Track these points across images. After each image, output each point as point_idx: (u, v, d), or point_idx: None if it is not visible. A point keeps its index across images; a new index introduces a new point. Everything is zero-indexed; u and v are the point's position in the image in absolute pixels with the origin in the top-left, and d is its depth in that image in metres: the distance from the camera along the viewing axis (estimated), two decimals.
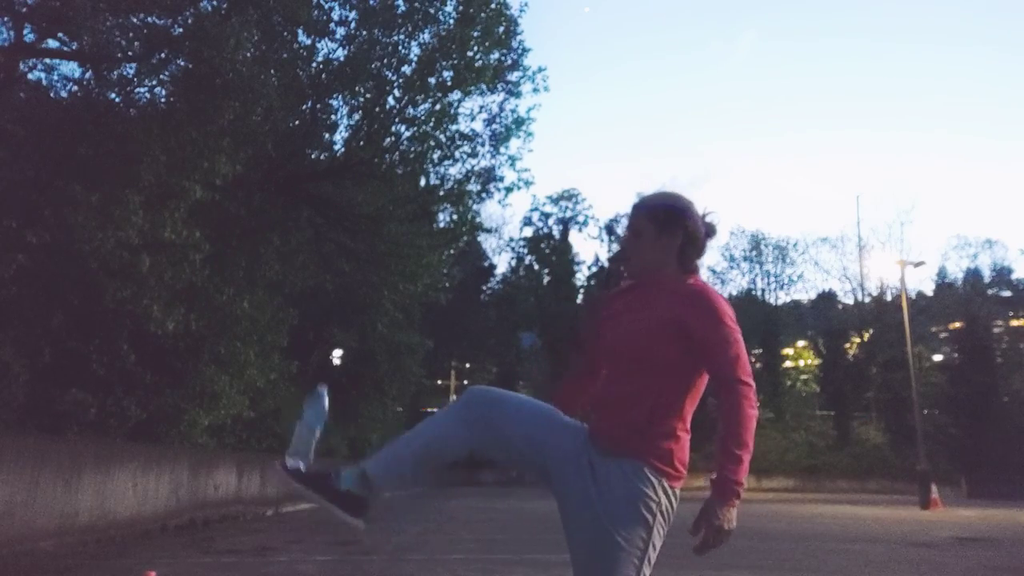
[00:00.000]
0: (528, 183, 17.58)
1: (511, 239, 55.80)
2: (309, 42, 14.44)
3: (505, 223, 53.60)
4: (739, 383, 1.79)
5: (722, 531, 1.75)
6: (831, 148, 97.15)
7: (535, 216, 54.99)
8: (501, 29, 14.88)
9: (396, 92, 14.67)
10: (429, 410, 52.02)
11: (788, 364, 56.61)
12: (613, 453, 1.82)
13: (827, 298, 57.08)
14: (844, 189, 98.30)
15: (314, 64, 14.64)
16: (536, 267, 54.91)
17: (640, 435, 1.84)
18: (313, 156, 15.88)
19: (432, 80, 14.50)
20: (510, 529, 11.50)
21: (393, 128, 15.01)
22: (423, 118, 14.90)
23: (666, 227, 1.96)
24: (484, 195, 17.39)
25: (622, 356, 1.90)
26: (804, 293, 59.18)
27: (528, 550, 8.40)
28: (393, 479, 1.93)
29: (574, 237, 61.09)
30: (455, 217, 17.28)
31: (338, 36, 14.54)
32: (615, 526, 1.77)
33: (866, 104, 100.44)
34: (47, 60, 10.43)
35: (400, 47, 14.40)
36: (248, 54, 9.88)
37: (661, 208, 1.99)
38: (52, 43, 10.12)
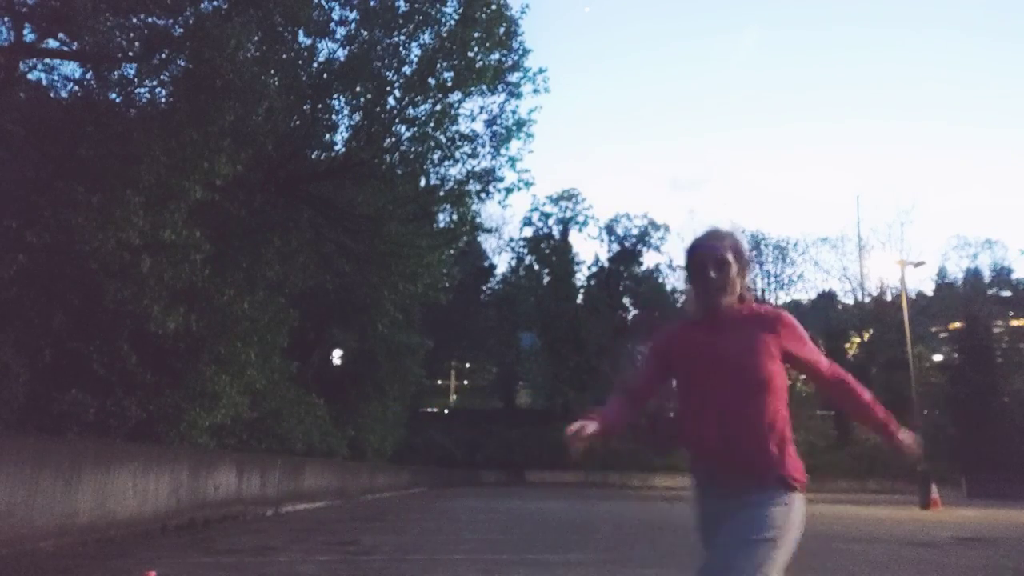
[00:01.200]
0: (528, 184, 17.57)
1: (511, 239, 55.87)
2: (310, 42, 14.44)
3: (505, 223, 53.64)
4: (847, 376, 2.23)
5: (915, 445, 2.34)
6: (831, 148, 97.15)
7: (535, 216, 55.05)
8: (502, 30, 14.88)
9: (396, 92, 14.67)
10: (429, 410, 52.11)
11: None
12: (756, 487, 2.07)
13: (827, 298, 57.10)
14: (844, 189, 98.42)
15: (315, 64, 14.64)
16: (536, 267, 54.93)
17: (780, 458, 2.13)
18: (313, 156, 15.88)
19: (432, 81, 14.50)
20: (511, 529, 11.50)
21: (393, 128, 15.01)
22: (423, 119, 14.91)
23: (744, 262, 2.25)
24: (484, 196, 17.37)
25: (741, 381, 2.07)
26: (804, 293, 59.22)
27: (529, 550, 8.40)
28: None
29: (574, 237, 61.13)
30: (455, 217, 17.28)
31: (338, 36, 14.55)
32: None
33: (866, 104, 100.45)
34: (47, 60, 10.43)
35: (401, 47, 14.40)
36: (249, 54, 9.89)
37: (740, 245, 2.27)
38: (52, 43, 10.12)
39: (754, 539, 1.99)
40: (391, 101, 14.74)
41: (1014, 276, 54.78)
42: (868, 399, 2.21)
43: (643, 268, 57.28)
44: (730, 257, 2.18)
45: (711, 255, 2.18)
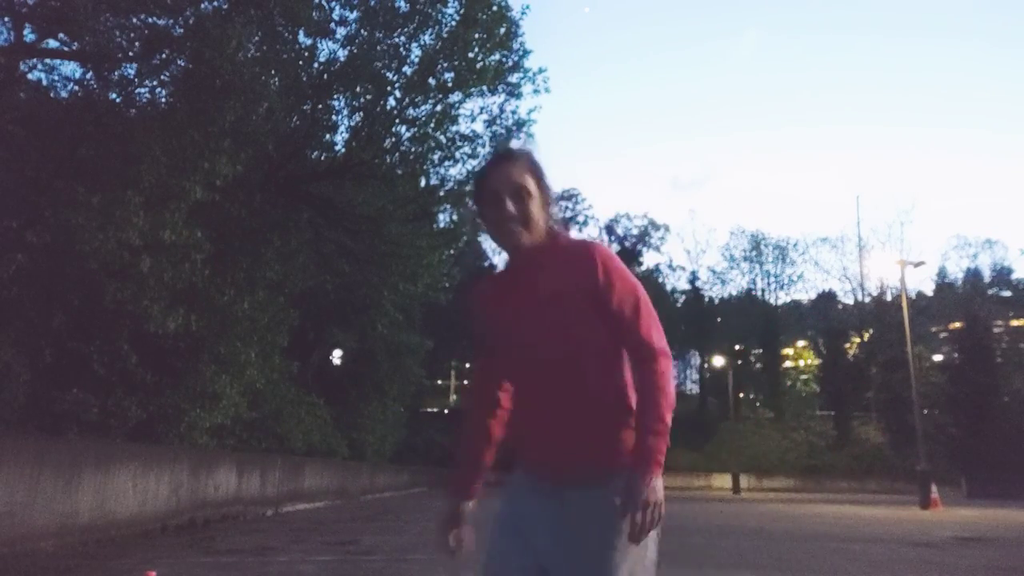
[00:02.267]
0: None
1: None
2: (310, 42, 14.45)
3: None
4: (660, 354, 1.59)
5: (652, 504, 1.47)
6: (831, 148, 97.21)
7: None
8: (502, 30, 14.89)
9: (397, 93, 14.68)
10: (429, 410, 52.06)
11: (788, 364, 56.64)
12: (587, 482, 1.56)
13: (827, 298, 57.14)
14: (844, 189, 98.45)
15: (315, 65, 14.65)
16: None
17: (609, 446, 1.57)
18: (313, 157, 15.89)
19: (433, 81, 14.51)
20: None
21: (394, 129, 15.02)
22: (424, 119, 14.92)
23: (547, 187, 1.72)
24: None
25: (548, 345, 1.59)
26: (804, 293, 59.34)
27: None
28: None
29: (574, 237, 61.11)
30: (455, 217, 17.30)
31: (339, 36, 14.57)
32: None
33: (866, 104, 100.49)
34: (47, 60, 10.44)
35: (401, 48, 14.41)
36: (249, 55, 9.89)
37: (539, 167, 1.73)
38: (52, 43, 10.13)
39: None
40: (391, 101, 14.75)
41: (1014, 276, 54.89)
42: (658, 402, 1.53)
43: (643, 268, 57.30)
44: (529, 183, 1.67)
45: (505, 182, 1.66)
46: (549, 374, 1.59)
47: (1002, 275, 55.06)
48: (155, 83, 10.34)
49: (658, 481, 1.49)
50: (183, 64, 9.89)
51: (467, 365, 59.33)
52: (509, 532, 1.63)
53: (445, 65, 14.51)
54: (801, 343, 58.05)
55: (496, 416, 1.82)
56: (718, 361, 53.60)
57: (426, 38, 14.51)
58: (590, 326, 1.58)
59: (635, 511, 1.46)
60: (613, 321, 1.59)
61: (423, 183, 16.21)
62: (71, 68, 10.58)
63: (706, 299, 58.44)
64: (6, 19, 9.65)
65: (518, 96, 16.40)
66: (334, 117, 15.34)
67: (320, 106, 14.84)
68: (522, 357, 1.63)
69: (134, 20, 9.68)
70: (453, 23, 14.33)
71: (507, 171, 1.68)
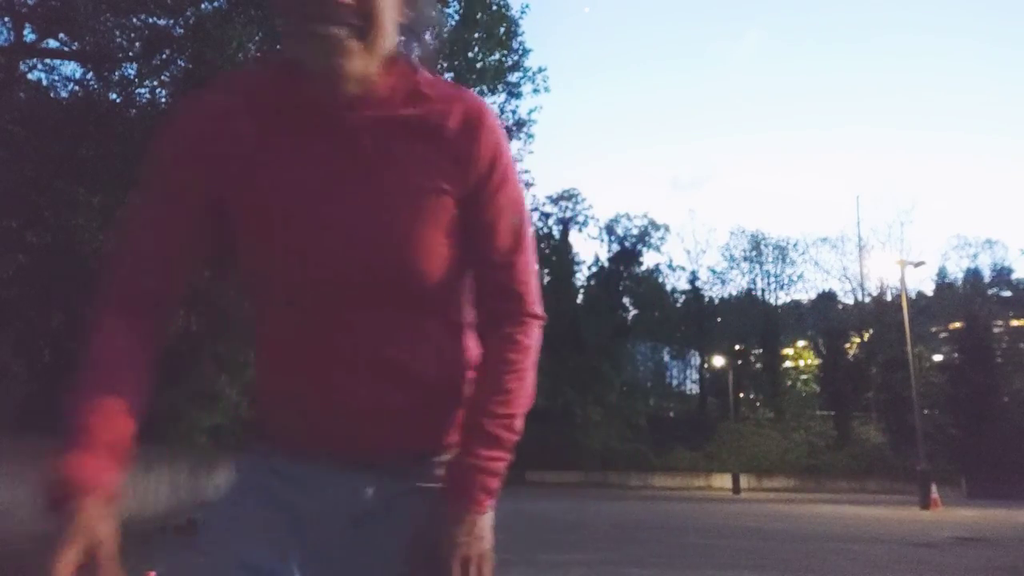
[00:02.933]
0: (528, 184, 17.61)
1: None
2: None
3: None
4: (534, 318, 1.02)
5: (476, 553, 0.90)
6: (831, 148, 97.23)
7: (535, 216, 55.01)
8: (502, 30, 14.91)
9: None
10: None
11: (788, 364, 56.64)
12: (401, 479, 0.97)
13: (827, 298, 57.14)
14: (844, 189, 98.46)
15: None
16: (536, 267, 54.96)
17: (445, 428, 0.99)
18: None
19: None
20: (510, 529, 11.50)
21: None
22: None
23: None
24: None
25: (373, 267, 0.91)
26: (804, 293, 59.30)
27: (529, 550, 8.40)
28: None
29: (574, 237, 61.16)
30: None
31: None
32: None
33: (866, 104, 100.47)
34: (48, 60, 10.45)
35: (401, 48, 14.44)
36: (250, 55, 9.89)
37: None
38: (53, 43, 10.13)
39: None
40: None
41: (1014, 276, 54.88)
42: (502, 410, 0.95)
43: (643, 268, 57.31)
44: None
45: None
46: (364, 305, 0.91)
47: (1002, 275, 55.07)
48: (155, 83, 10.35)
49: (486, 519, 0.93)
50: (183, 64, 9.90)
51: None
52: (254, 529, 0.94)
53: (445, 65, 14.52)
54: (801, 343, 58.02)
55: (156, 334, 0.96)
56: (718, 361, 53.57)
57: (426, 38, 14.54)
58: (447, 243, 0.93)
59: (456, 561, 0.89)
60: (479, 244, 0.97)
61: None
62: (71, 68, 10.60)
63: (706, 299, 58.40)
64: (6, 19, 9.66)
65: (518, 96, 16.42)
66: None
67: None
68: (314, 269, 0.90)
69: (134, 20, 9.68)
70: (453, 22, 14.35)
71: None
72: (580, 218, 56.28)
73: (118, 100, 10.16)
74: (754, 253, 58.31)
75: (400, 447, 0.97)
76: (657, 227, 57.42)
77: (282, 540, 0.93)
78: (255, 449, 1.00)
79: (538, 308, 1.02)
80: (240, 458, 1.02)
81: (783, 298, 59.02)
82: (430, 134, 0.94)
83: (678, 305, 57.96)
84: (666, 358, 59.55)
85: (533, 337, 1.00)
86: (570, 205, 56.15)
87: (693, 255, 61.81)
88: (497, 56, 15.30)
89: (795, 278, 57.79)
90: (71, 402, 0.88)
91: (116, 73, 10.11)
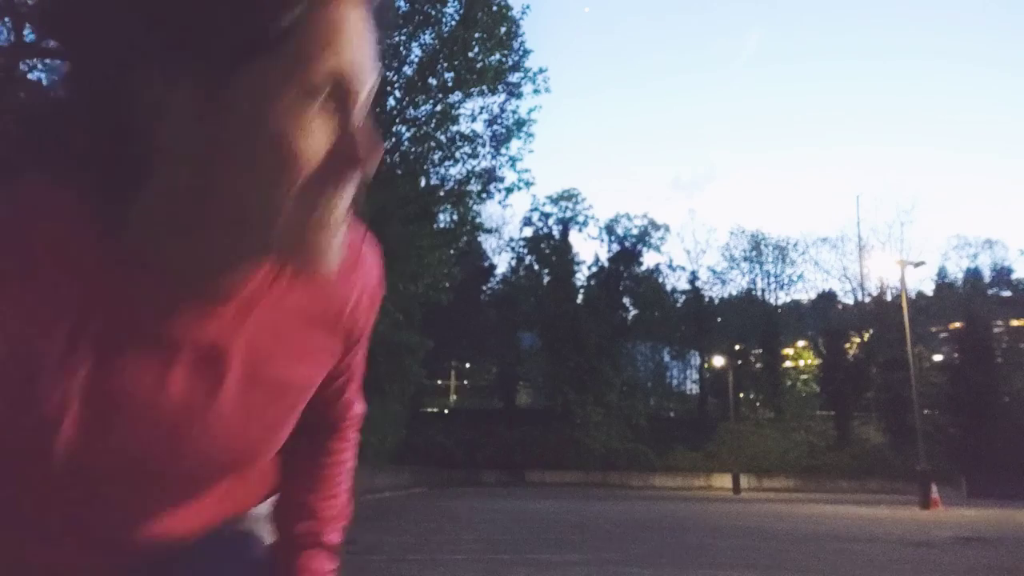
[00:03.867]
0: (528, 183, 17.62)
1: (511, 239, 55.88)
2: None
3: (505, 223, 53.62)
4: (357, 421, 0.92)
5: None
6: (831, 148, 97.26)
7: (535, 216, 55.07)
8: (502, 30, 14.92)
9: (397, 93, 14.70)
10: (429, 410, 52.15)
11: (788, 364, 56.65)
12: None
13: (827, 298, 57.17)
14: (844, 189, 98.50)
15: None
16: (536, 267, 54.97)
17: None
18: None
19: (433, 81, 14.54)
20: (511, 529, 11.50)
21: (394, 129, 15.04)
22: (424, 119, 14.96)
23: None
24: (485, 195, 17.43)
25: (189, 473, 0.71)
26: (804, 293, 59.35)
27: (529, 550, 8.40)
28: None
29: (574, 237, 61.19)
30: (455, 217, 17.33)
31: None
32: None
33: (866, 104, 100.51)
34: (48, 60, 10.45)
35: (401, 47, 14.43)
36: None
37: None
38: (53, 43, 10.14)
39: None
40: (391, 101, 14.77)
41: (1014, 276, 54.95)
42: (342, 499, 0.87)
43: (643, 268, 57.32)
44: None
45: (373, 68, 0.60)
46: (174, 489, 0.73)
47: (1002, 275, 55.11)
48: None
49: None
50: None
51: (467, 365, 59.38)
52: None
53: (445, 65, 14.54)
54: (801, 343, 58.04)
55: None
56: (718, 361, 53.56)
57: (426, 38, 14.55)
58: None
59: None
60: (335, 389, 0.83)
61: (423, 183, 16.24)
62: None
63: (706, 299, 58.40)
64: (6, 19, 9.67)
65: (518, 96, 16.45)
66: None
67: None
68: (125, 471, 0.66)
69: None
70: (453, 23, 14.36)
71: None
72: (580, 218, 56.29)
73: None
74: (754, 253, 58.34)
75: None
76: (657, 227, 57.44)
77: None
78: None
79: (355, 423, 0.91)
80: None
81: (783, 298, 59.08)
82: (323, 326, 0.74)
83: (678, 305, 57.96)
84: (666, 358, 59.54)
85: (354, 442, 0.91)
86: (570, 205, 56.16)
87: (693, 255, 61.82)
88: (497, 56, 15.31)
89: (795, 278, 57.84)
90: None
91: None
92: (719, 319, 56.97)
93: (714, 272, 59.01)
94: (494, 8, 14.42)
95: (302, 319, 0.71)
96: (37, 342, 0.58)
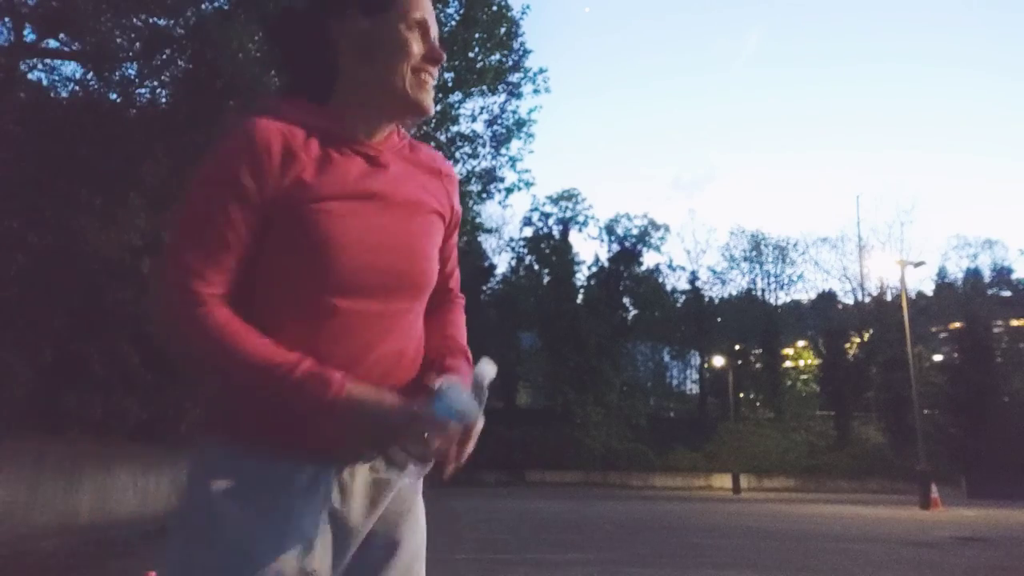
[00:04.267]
0: (529, 184, 17.61)
1: (511, 239, 55.86)
2: None
3: (505, 223, 53.62)
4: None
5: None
6: (831, 148, 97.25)
7: (535, 216, 55.04)
8: (503, 30, 14.90)
9: None
10: None
11: (788, 364, 56.62)
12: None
13: (827, 298, 57.14)
14: (844, 189, 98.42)
15: None
16: (536, 267, 54.96)
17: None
18: None
19: None
20: (511, 529, 11.50)
21: None
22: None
23: None
24: (485, 196, 17.41)
25: (409, 275, 1.11)
26: (804, 293, 59.31)
27: (529, 550, 8.41)
28: None
29: (574, 237, 61.18)
30: None
31: None
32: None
33: (866, 105, 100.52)
34: (48, 60, 10.45)
35: None
36: (250, 55, 9.90)
37: None
38: (53, 43, 10.14)
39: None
40: None
41: (1014, 276, 54.93)
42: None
43: (643, 268, 57.30)
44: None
45: (433, 14, 1.18)
46: (397, 322, 1.10)
47: (1002, 275, 55.09)
48: (156, 83, 10.36)
49: None
50: (184, 64, 9.90)
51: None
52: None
53: (445, 65, 14.52)
54: (801, 343, 58.02)
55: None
56: (718, 361, 53.53)
57: None
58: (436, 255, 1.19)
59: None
60: (447, 254, 1.27)
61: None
62: (72, 68, 10.60)
63: (706, 299, 58.38)
64: (6, 19, 9.67)
65: (518, 96, 16.42)
66: None
67: None
68: (375, 290, 1.07)
69: (134, 20, 9.69)
70: (453, 23, 14.34)
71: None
72: (580, 218, 56.25)
73: (118, 100, 10.16)
74: (754, 253, 58.30)
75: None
76: (657, 227, 57.40)
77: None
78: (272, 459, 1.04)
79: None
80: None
81: (783, 298, 59.03)
82: (434, 173, 1.22)
83: (678, 305, 57.95)
84: (666, 358, 59.54)
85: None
86: (570, 205, 56.14)
87: (693, 255, 61.85)
88: (497, 56, 15.30)
89: (795, 278, 57.79)
90: (243, 358, 0.98)
91: (116, 73, 10.12)
92: (719, 319, 56.95)
93: (714, 272, 58.99)
94: (494, 8, 14.41)
95: (422, 168, 1.20)
96: (340, 188, 1.07)
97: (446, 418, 0.99)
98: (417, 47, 1.12)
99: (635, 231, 57.26)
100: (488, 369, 1.11)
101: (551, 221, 55.53)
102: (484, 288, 55.92)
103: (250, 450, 1.03)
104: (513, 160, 16.82)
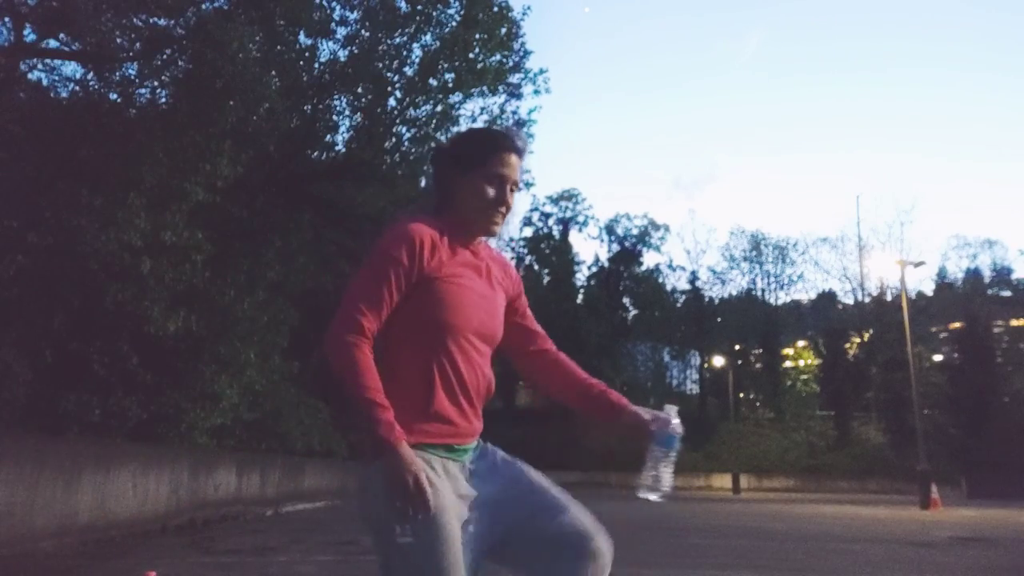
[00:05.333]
0: (529, 184, 17.65)
1: (511, 239, 55.77)
2: (311, 43, 14.46)
3: (505, 223, 53.68)
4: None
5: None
6: (831, 148, 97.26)
7: (535, 216, 55.14)
8: (503, 31, 14.91)
9: (398, 93, 14.72)
10: None
11: (788, 364, 56.63)
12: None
13: (827, 298, 57.15)
14: (844, 189, 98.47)
15: (316, 65, 14.66)
16: (536, 267, 54.98)
17: None
18: (314, 157, 15.91)
19: (434, 82, 14.54)
20: None
21: (394, 129, 15.06)
22: (424, 119, 14.96)
23: None
24: None
25: (490, 347, 1.67)
26: (804, 293, 59.32)
27: None
28: None
29: (574, 237, 61.19)
30: None
31: (339, 37, 14.58)
32: None
33: (866, 104, 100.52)
34: (48, 60, 10.45)
35: (402, 48, 14.43)
36: (250, 55, 9.89)
37: None
38: (53, 43, 10.14)
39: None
40: (392, 102, 14.78)
41: (1014, 276, 54.97)
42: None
43: (643, 268, 57.32)
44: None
45: (520, 171, 1.71)
46: (484, 359, 1.65)
47: (1002, 275, 55.12)
48: (156, 84, 10.36)
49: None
50: (184, 64, 9.90)
51: None
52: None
53: (446, 66, 14.54)
54: (801, 343, 58.04)
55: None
56: (718, 361, 53.56)
57: (427, 38, 14.54)
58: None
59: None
60: (518, 324, 1.82)
61: (424, 183, 16.24)
62: (72, 68, 10.60)
63: (706, 299, 58.40)
64: (6, 19, 9.67)
65: (519, 96, 16.44)
66: (335, 117, 15.38)
67: (321, 106, 14.87)
68: (477, 337, 1.61)
69: (135, 20, 9.69)
70: (454, 24, 14.35)
71: (523, 161, 1.71)
72: (580, 218, 56.33)
73: (118, 100, 10.16)
74: (754, 253, 58.30)
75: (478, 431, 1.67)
76: (657, 227, 57.45)
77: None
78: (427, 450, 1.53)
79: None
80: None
81: (783, 298, 59.06)
82: (500, 264, 1.79)
83: (678, 305, 57.95)
84: (666, 358, 59.54)
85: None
86: (570, 205, 56.19)
87: (693, 255, 61.82)
88: (498, 57, 15.31)
89: (795, 278, 57.79)
90: (360, 388, 1.45)
91: (116, 73, 10.11)
92: (719, 319, 56.96)
93: (714, 272, 58.99)
94: (495, 9, 14.41)
95: (496, 262, 1.76)
96: (463, 269, 1.64)
97: (673, 448, 1.62)
98: (493, 194, 1.65)
99: (635, 231, 57.31)
100: (673, 408, 1.67)
101: (551, 221, 55.61)
102: None
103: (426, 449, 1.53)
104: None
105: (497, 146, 1.66)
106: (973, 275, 53.73)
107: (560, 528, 1.58)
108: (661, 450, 1.64)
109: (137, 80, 10.26)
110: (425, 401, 1.53)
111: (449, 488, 1.51)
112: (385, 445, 1.41)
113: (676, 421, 1.63)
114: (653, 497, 1.64)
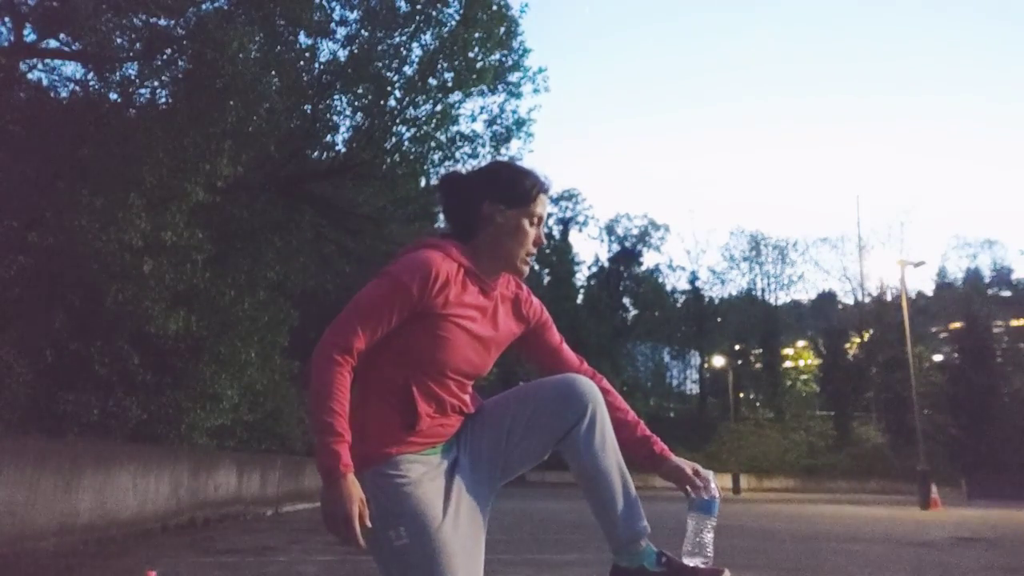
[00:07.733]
0: None
1: None
2: (311, 43, 14.46)
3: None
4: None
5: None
6: (831, 148, 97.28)
7: None
8: (502, 30, 14.88)
9: (397, 93, 14.69)
10: None
11: (788, 364, 56.63)
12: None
13: (827, 298, 57.21)
14: (844, 189, 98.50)
15: (316, 65, 14.66)
16: (536, 267, 54.97)
17: None
18: (314, 157, 15.90)
19: (433, 81, 14.52)
20: (511, 529, 11.50)
21: (394, 129, 15.03)
22: (424, 119, 14.93)
23: None
24: None
25: (471, 380, 1.71)
26: (804, 293, 59.42)
27: (530, 550, 8.41)
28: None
29: (574, 237, 61.23)
30: None
31: (339, 37, 14.57)
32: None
33: (867, 104, 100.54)
34: (48, 60, 10.45)
35: (402, 48, 14.42)
36: (250, 55, 9.89)
37: None
38: (53, 43, 10.13)
39: None
40: (392, 102, 14.77)
41: (1014, 276, 55.01)
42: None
43: (643, 268, 57.34)
44: None
45: (546, 210, 1.75)
46: (465, 384, 1.69)
47: (1002, 275, 55.17)
48: (156, 84, 10.34)
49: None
50: (184, 65, 9.89)
51: None
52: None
53: (445, 65, 14.52)
54: (801, 343, 58.06)
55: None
56: (718, 361, 53.56)
57: (426, 38, 14.53)
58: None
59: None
60: (554, 342, 1.86)
61: (424, 183, 16.22)
62: (72, 68, 10.60)
63: (706, 299, 58.42)
64: (6, 19, 9.67)
65: (518, 96, 16.39)
66: (335, 117, 15.36)
67: (321, 106, 14.86)
68: (462, 370, 1.65)
69: (135, 20, 9.69)
70: (453, 23, 14.33)
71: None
72: (580, 218, 56.39)
73: (118, 100, 10.15)
74: (754, 253, 58.33)
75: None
76: (657, 227, 57.49)
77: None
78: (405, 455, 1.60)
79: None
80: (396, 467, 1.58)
81: (783, 298, 59.12)
82: (514, 298, 1.77)
83: (678, 305, 57.96)
84: (666, 358, 59.57)
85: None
86: (570, 205, 56.24)
87: (693, 255, 61.99)
88: (497, 56, 15.29)
89: (795, 278, 57.85)
90: (324, 411, 1.48)
91: (116, 73, 10.10)
92: (719, 319, 56.98)
93: (714, 272, 59.06)
94: (494, 8, 14.39)
95: (509, 295, 1.76)
96: (466, 310, 1.64)
97: (713, 515, 1.66)
98: (531, 235, 1.69)
99: (635, 231, 57.37)
100: (711, 473, 1.73)
101: (551, 221, 55.57)
102: None
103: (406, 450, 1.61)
104: (513, 160, 16.82)
105: (540, 187, 1.69)
106: (973, 275, 53.79)
107: (540, 402, 1.65)
108: (702, 516, 1.66)
109: (137, 80, 10.25)
110: (405, 414, 1.58)
111: (432, 476, 1.60)
112: (330, 474, 1.44)
113: (715, 485, 1.68)
114: (697, 562, 1.63)
